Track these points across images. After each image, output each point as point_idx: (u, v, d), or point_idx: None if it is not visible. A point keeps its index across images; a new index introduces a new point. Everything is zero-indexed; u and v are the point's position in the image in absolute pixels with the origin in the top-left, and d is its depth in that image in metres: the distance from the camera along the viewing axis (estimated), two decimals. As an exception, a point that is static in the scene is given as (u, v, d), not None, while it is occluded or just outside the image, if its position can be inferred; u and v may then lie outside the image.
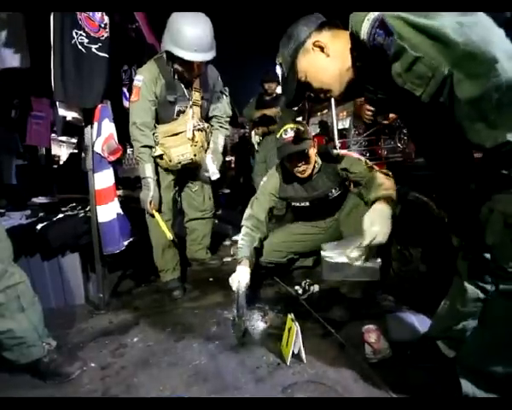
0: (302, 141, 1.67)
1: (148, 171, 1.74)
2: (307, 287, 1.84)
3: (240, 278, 1.51)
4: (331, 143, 2.88)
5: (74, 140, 4.93)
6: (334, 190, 1.85)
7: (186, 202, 2.09)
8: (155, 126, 1.79)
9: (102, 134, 1.54)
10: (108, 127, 1.53)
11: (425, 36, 0.67)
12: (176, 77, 1.76)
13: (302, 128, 1.70)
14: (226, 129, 2.03)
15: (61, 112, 1.48)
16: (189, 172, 1.97)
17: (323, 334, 1.37)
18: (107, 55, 1.64)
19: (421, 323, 1.27)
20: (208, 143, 1.92)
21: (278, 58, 0.97)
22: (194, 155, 1.80)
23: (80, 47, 1.52)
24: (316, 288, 1.83)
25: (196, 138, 1.81)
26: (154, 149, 1.77)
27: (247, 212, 1.80)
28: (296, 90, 0.96)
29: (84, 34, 1.54)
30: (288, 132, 1.67)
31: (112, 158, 1.57)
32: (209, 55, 1.66)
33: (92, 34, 1.59)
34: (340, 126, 3.61)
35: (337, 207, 1.94)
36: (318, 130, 3.37)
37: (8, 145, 3.22)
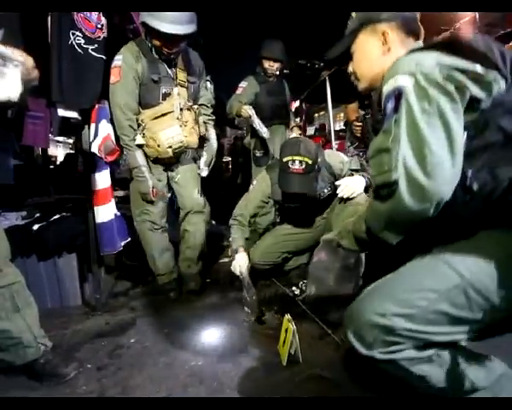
0: (309, 175, 1.59)
1: (139, 158, 1.63)
2: (304, 287, 1.85)
3: (240, 263, 1.66)
4: (329, 145, 2.89)
5: (71, 140, 4.91)
6: (325, 190, 1.85)
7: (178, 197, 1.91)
8: (140, 112, 1.67)
9: (100, 135, 1.53)
10: (106, 128, 1.53)
11: (410, 139, 0.68)
12: (156, 55, 1.65)
13: (311, 161, 1.58)
14: (213, 119, 1.96)
15: (60, 112, 1.47)
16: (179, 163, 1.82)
17: (320, 334, 1.37)
18: (103, 57, 1.64)
19: None
20: (199, 126, 1.80)
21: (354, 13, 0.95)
22: (185, 137, 1.67)
23: (77, 48, 1.52)
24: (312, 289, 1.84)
25: (185, 118, 1.68)
26: (135, 137, 1.64)
27: (234, 213, 1.87)
28: (341, 54, 0.97)
29: (80, 35, 1.54)
30: (296, 164, 1.57)
31: (109, 159, 1.57)
32: (187, 29, 1.53)
33: (89, 35, 1.59)
34: (338, 128, 3.64)
35: (327, 205, 1.93)
36: (316, 132, 3.36)
37: (4, 145, 3.20)
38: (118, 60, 1.63)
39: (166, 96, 1.68)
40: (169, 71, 1.69)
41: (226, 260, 2.37)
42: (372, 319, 0.74)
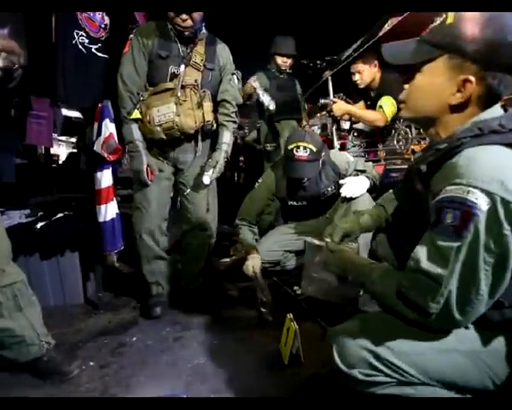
0: (313, 162, 1.65)
1: (135, 132, 1.53)
2: (306, 287, 1.86)
3: (254, 264, 1.67)
4: (330, 145, 2.88)
5: (73, 139, 4.92)
6: (329, 189, 1.86)
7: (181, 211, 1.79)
8: (147, 89, 1.58)
9: (102, 134, 1.54)
10: (109, 127, 1.53)
11: (463, 278, 0.62)
12: (172, 32, 1.55)
13: (315, 149, 1.64)
14: (234, 122, 1.72)
15: (64, 111, 1.48)
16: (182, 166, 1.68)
17: (322, 334, 1.37)
18: (106, 56, 1.65)
19: None
20: (204, 112, 1.58)
21: (451, 17, 0.71)
22: (178, 116, 1.50)
23: (81, 47, 1.54)
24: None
25: (184, 97, 1.53)
26: (132, 111, 1.54)
27: (240, 214, 1.86)
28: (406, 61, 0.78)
29: (84, 34, 1.55)
30: (301, 151, 1.63)
31: (111, 158, 1.58)
32: None
33: (92, 34, 1.60)
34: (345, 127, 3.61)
35: (330, 205, 1.94)
36: (319, 130, 3.35)
37: (7, 144, 3.22)
38: (132, 34, 1.58)
39: (175, 76, 1.55)
40: (181, 50, 1.57)
41: (227, 259, 2.37)
42: (361, 350, 0.72)
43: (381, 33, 2.01)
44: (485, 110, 0.71)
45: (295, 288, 1.86)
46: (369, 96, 2.35)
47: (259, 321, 1.52)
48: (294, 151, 1.64)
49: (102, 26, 1.71)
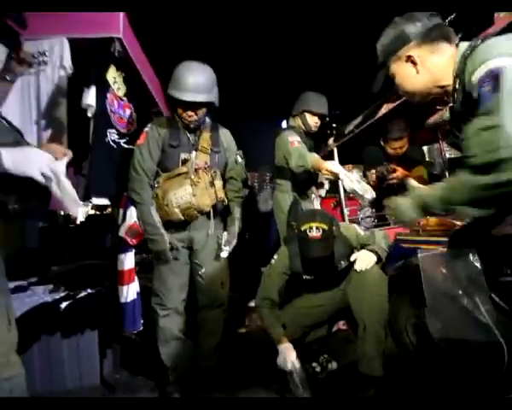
0: (327, 240, 1.66)
1: (154, 214, 1.63)
2: (325, 363, 1.81)
3: (291, 357, 1.55)
4: (339, 208, 2.96)
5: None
6: (342, 262, 1.89)
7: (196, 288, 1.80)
8: (159, 174, 1.69)
9: (127, 221, 1.66)
10: (133, 215, 1.65)
11: None
12: (180, 124, 1.71)
13: (327, 227, 1.67)
14: (242, 197, 1.88)
15: (94, 200, 1.62)
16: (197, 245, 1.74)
17: None
18: (133, 147, 1.83)
19: None
20: (216, 190, 1.71)
21: (377, 44, 1.03)
22: (194, 196, 1.62)
23: (112, 143, 1.73)
24: (334, 365, 1.80)
25: (198, 178, 1.65)
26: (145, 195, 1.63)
27: (261, 293, 1.82)
28: (384, 82, 1.05)
29: (115, 132, 1.75)
30: (314, 231, 1.66)
31: (134, 242, 1.67)
32: (203, 97, 1.61)
33: (122, 130, 1.81)
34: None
35: (343, 277, 1.96)
36: (327, 193, 3.43)
37: (34, 210, 3.39)
38: (147, 127, 1.73)
39: (185, 162, 1.69)
40: (190, 138, 1.73)
41: (244, 330, 2.35)
42: None
43: (380, 114, 2.20)
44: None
45: (314, 364, 1.82)
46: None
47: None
48: (308, 232, 1.67)
49: (130, 120, 1.93)
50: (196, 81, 1.59)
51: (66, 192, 0.99)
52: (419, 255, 1.16)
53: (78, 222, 5.30)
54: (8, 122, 1.08)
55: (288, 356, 1.55)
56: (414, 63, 0.95)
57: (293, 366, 1.52)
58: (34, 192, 0.98)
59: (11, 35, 1.00)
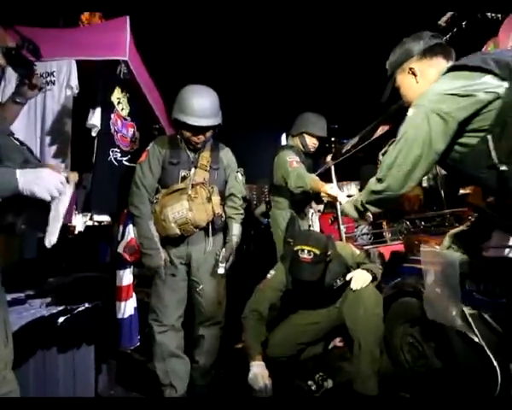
0: (317, 265, 1.69)
1: (152, 229, 1.66)
2: (320, 382, 1.82)
3: (263, 373, 1.53)
4: (336, 223, 3.00)
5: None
6: (338, 281, 1.92)
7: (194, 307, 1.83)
8: (159, 191, 1.74)
9: (125, 237, 1.69)
10: (131, 232, 1.68)
11: None
12: (182, 143, 1.76)
13: (319, 251, 1.69)
14: (241, 214, 1.91)
15: (96, 217, 1.66)
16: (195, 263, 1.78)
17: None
18: (134, 165, 1.88)
19: None
20: (213, 205, 1.73)
21: (387, 61, 1.27)
22: (191, 211, 1.64)
23: (114, 162, 1.78)
24: (329, 383, 1.81)
25: (195, 194, 1.68)
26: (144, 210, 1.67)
27: (251, 305, 1.81)
28: (392, 92, 1.26)
29: (118, 151, 1.80)
30: (305, 254, 1.68)
31: (132, 259, 1.70)
32: (211, 121, 1.68)
33: (124, 149, 1.86)
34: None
35: (339, 295, 1.98)
36: (325, 208, 3.47)
37: (36, 223, 3.40)
38: (149, 146, 1.78)
39: (185, 178, 1.73)
40: (190, 156, 1.77)
41: (239, 345, 2.34)
42: None
43: (376, 135, 2.27)
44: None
45: (309, 382, 1.82)
46: None
47: None
48: (299, 253, 1.69)
49: (133, 139, 1.98)
50: (205, 106, 1.65)
51: (57, 214, 1.00)
52: (421, 249, 1.46)
53: (76, 232, 5.30)
54: (19, 141, 1.12)
55: (261, 374, 1.53)
56: (414, 74, 1.15)
57: (265, 384, 1.50)
58: (39, 209, 1.01)
59: (25, 64, 1.06)
